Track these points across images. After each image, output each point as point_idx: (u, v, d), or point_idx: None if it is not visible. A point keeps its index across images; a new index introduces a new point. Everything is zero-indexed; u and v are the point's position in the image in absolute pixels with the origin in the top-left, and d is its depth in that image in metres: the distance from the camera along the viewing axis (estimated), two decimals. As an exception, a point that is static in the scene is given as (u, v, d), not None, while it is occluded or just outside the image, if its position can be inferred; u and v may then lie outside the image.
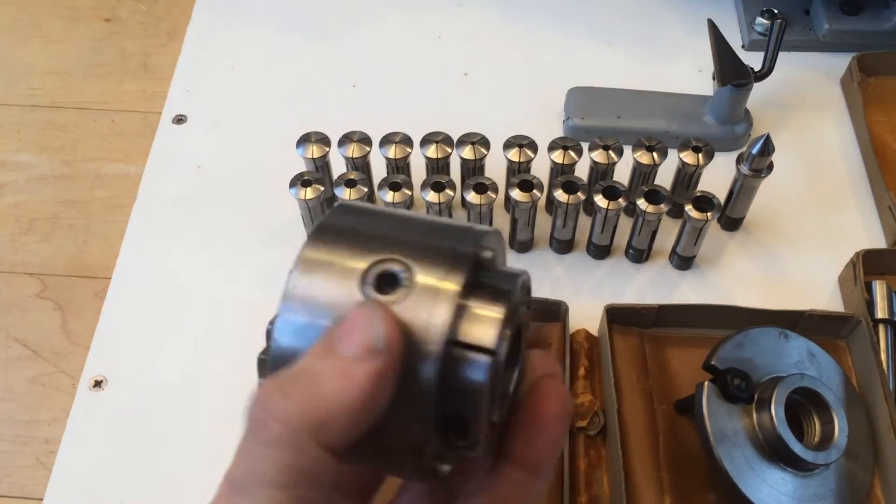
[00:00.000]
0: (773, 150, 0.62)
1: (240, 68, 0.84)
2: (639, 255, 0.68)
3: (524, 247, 0.69)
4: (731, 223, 0.70)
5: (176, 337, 0.66)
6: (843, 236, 0.70)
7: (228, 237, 0.71)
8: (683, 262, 0.67)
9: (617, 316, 0.61)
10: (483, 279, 0.27)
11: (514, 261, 0.69)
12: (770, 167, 0.64)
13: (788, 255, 0.69)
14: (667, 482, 0.56)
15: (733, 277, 0.68)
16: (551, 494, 0.55)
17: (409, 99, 0.81)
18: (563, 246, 0.68)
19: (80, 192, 0.78)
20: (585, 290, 0.67)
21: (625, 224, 0.68)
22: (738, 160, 0.64)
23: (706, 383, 0.54)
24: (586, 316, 0.64)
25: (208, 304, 0.68)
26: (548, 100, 0.79)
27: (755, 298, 0.64)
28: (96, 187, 0.78)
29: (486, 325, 0.26)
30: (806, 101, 0.79)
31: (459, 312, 0.26)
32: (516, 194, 0.62)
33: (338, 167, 0.68)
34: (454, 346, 0.26)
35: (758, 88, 0.72)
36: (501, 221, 0.70)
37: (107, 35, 0.92)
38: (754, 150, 0.62)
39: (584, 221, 0.68)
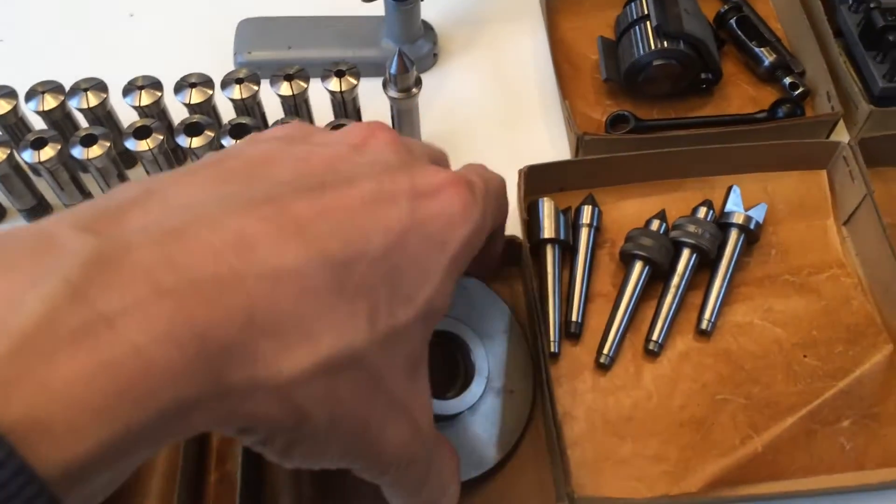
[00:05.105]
0: (412, 65, 0.56)
1: None
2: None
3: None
4: (407, 152, 0.64)
5: None
6: (532, 155, 0.65)
7: None
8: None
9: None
10: None
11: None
12: (418, 82, 0.58)
13: (471, 181, 0.64)
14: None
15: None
16: (175, 469, 0.48)
17: (69, 46, 0.72)
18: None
19: None
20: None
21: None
22: (384, 85, 0.58)
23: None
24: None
25: None
26: (221, 35, 0.71)
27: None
28: None
29: None
30: (502, 13, 0.73)
31: None
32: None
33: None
34: None
35: (450, 3, 0.66)
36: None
37: None
38: (392, 70, 0.56)
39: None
